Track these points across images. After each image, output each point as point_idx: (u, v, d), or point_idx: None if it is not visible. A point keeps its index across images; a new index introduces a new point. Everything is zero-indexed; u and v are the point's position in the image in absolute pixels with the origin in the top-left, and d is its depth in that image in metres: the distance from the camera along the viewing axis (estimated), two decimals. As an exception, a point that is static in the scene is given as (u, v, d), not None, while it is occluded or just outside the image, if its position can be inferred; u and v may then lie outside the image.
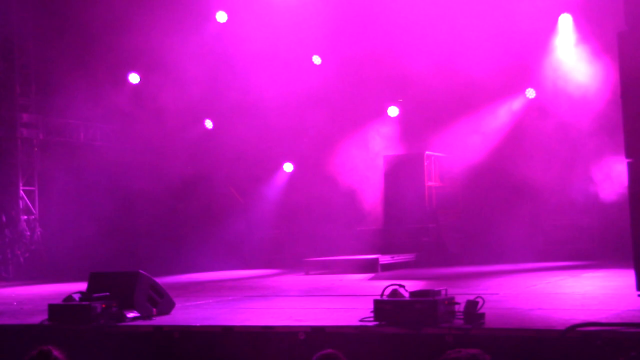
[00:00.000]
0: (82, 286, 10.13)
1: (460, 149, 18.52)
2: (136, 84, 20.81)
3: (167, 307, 9.73)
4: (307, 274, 16.85)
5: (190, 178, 21.07)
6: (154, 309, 9.46)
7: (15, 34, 19.64)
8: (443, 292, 7.57)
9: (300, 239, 19.92)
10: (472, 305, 7.29)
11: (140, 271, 9.74)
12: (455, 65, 17.44)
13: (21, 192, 19.65)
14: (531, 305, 8.93)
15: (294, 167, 21.56)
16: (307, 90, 19.68)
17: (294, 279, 15.89)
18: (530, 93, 18.65)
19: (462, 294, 8.03)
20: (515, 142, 18.15)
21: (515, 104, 18.80)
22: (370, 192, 19.97)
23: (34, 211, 19.85)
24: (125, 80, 20.68)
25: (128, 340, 8.56)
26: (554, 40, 18.09)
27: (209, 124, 21.75)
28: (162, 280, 10.09)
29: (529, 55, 17.85)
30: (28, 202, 19.78)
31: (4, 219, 19.48)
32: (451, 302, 7.48)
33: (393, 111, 20.34)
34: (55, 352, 5.00)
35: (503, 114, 18.77)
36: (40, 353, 4.95)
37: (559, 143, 17.30)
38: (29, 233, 19.48)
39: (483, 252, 17.24)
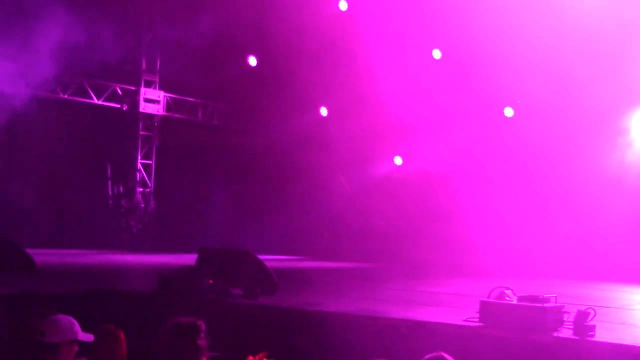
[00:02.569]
0: (192, 259, 10.40)
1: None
2: (254, 66, 21.09)
3: (271, 288, 9.85)
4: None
5: (299, 163, 21.26)
6: (259, 289, 9.59)
7: (145, 9, 20.25)
8: (553, 300, 7.35)
9: (407, 235, 19.76)
10: (582, 316, 7.05)
11: (249, 251, 9.92)
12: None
13: (139, 165, 20.29)
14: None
15: (403, 161, 21.38)
16: (423, 84, 19.42)
17: (401, 272, 15.81)
18: None
19: (573, 303, 7.76)
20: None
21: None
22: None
23: (150, 184, 20.48)
24: (245, 62, 21.01)
25: (231, 316, 8.72)
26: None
27: (323, 111, 21.83)
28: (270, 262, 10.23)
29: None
30: (144, 175, 20.43)
31: (121, 189, 20.20)
32: (560, 310, 7.27)
33: (508, 112, 19.82)
34: (201, 324, 4.85)
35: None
36: (190, 325, 4.83)
37: None
38: (143, 205, 20.11)
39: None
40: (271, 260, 14.61)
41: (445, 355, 4.57)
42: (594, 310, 7.05)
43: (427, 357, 4.43)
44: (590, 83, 16.71)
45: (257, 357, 4.51)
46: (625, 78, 16.63)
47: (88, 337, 5.45)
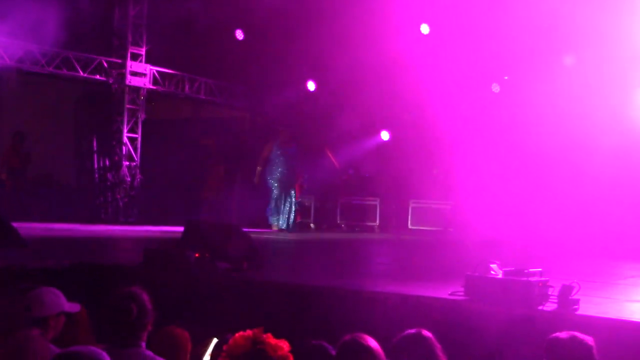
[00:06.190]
0: (178, 233, 10.37)
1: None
2: (242, 40, 20.98)
3: (258, 262, 9.83)
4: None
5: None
6: (246, 263, 9.57)
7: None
8: (538, 274, 7.37)
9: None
10: (567, 289, 7.08)
11: (236, 224, 9.89)
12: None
13: (125, 138, 20.14)
14: (630, 295, 8.62)
15: (390, 135, 21.36)
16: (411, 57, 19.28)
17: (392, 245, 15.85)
18: None
19: (558, 277, 7.79)
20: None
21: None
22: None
23: (136, 158, 20.33)
24: (233, 35, 20.89)
25: (217, 291, 8.70)
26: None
27: (311, 85, 21.72)
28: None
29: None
30: (131, 148, 20.27)
31: (107, 163, 20.10)
32: (545, 284, 7.29)
33: (495, 88, 19.74)
34: (144, 296, 5.05)
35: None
36: (129, 293, 5.01)
37: None
38: (129, 179, 20.01)
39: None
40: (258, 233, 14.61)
41: (425, 332, 4.57)
42: (578, 284, 7.07)
43: (406, 333, 4.43)
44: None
45: (249, 332, 4.42)
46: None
47: (74, 307, 5.48)
